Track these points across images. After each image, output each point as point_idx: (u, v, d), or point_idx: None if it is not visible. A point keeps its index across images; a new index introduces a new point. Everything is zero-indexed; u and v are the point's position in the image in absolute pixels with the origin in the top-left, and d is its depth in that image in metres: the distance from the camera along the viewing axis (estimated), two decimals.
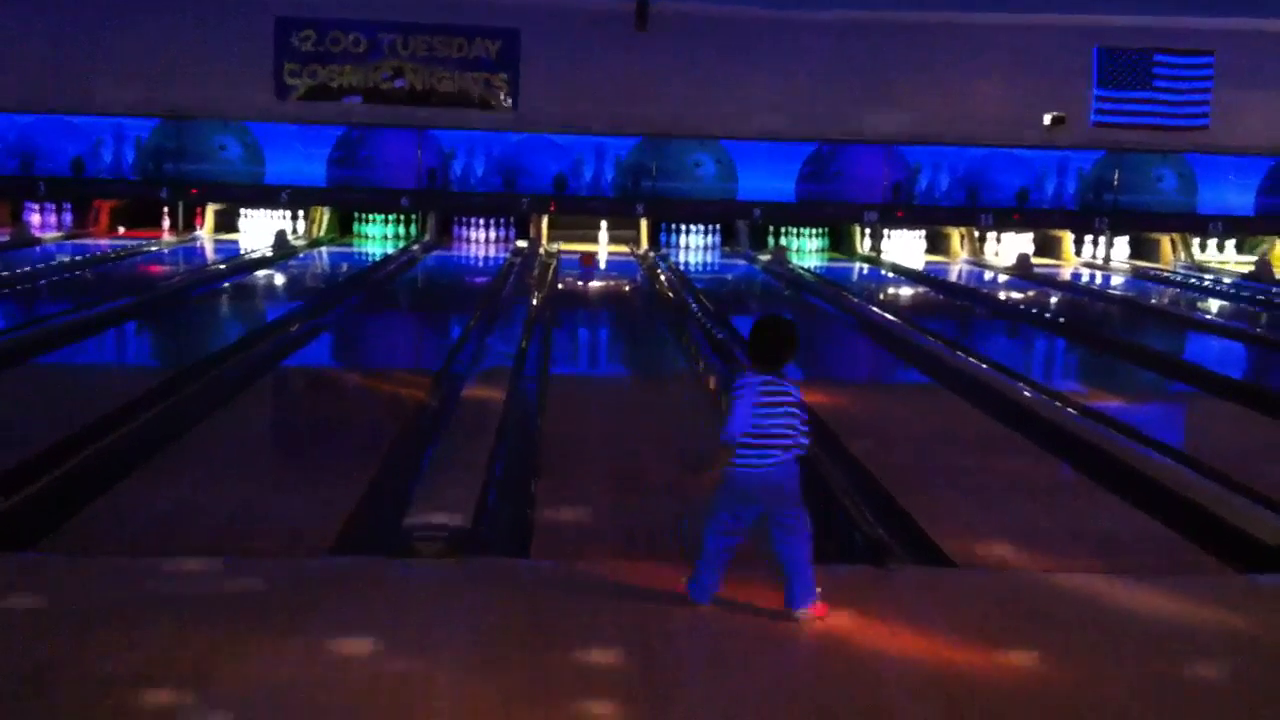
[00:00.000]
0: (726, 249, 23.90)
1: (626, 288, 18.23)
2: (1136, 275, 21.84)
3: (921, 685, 4.12)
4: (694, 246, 23.96)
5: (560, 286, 17.08)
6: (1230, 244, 24.21)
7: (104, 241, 21.44)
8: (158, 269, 18.48)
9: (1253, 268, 21.87)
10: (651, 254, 21.58)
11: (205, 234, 23.11)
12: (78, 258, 18.31)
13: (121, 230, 23.20)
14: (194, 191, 22.10)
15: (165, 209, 23.23)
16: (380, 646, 4.26)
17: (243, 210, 23.39)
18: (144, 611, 4.53)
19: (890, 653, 4.36)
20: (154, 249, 20.79)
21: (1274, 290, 19.27)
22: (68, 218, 23.00)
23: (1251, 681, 4.34)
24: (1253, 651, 4.57)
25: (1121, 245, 24.51)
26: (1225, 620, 4.86)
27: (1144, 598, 5.03)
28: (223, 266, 18.47)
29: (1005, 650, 4.44)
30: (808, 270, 20.58)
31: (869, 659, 4.30)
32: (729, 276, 20.66)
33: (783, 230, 24.05)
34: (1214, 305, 18.13)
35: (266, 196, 22.17)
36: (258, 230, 22.99)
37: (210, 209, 23.29)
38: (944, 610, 4.79)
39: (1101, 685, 4.20)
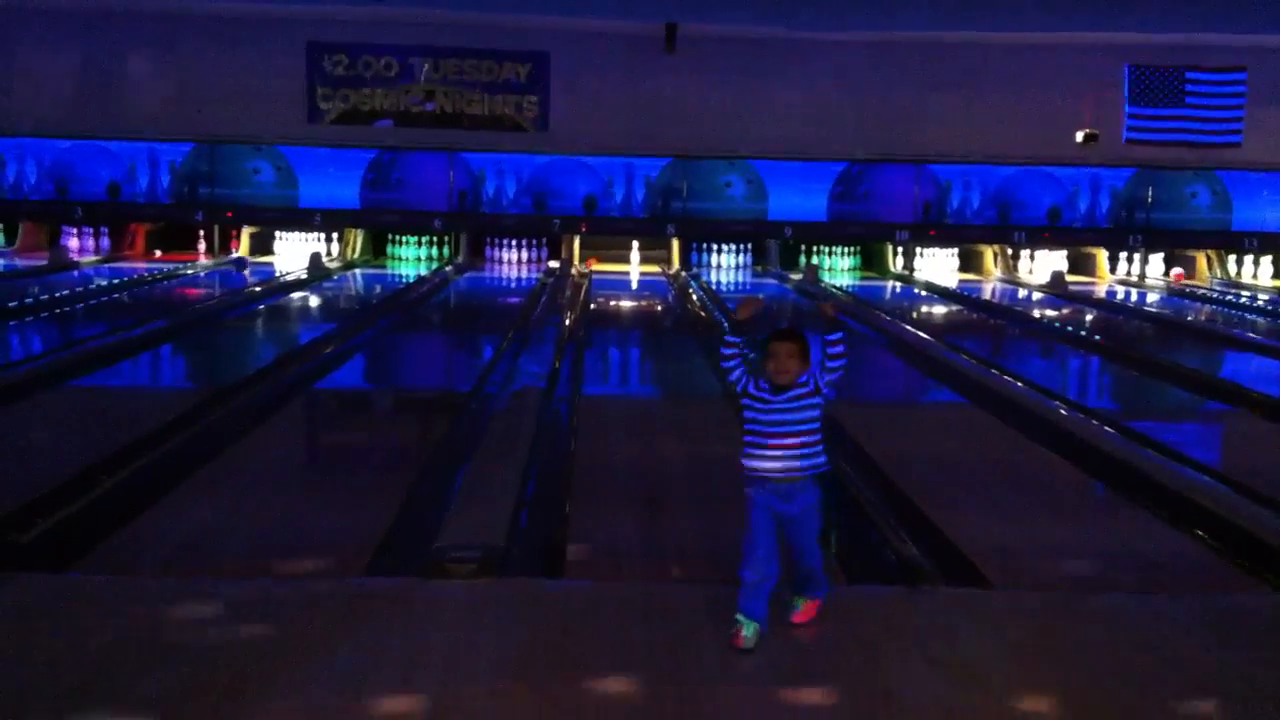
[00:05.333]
0: (758, 268, 23.89)
1: (658, 307, 18.24)
2: (1172, 293, 21.67)
3: (959, 709, 4.09)
4: (725, 266, 23.97)
5: (593, 307, 17.11)
6: (1266, 260, 23.97)
7: (140, 265, 21.64)
8: (194, 291, 18.64)
9: None
10: (683, 274, 21.60)
11: (241, 257, 23.29)
12: (114, 281, 18.48)
13: (158, 253, 23.42)
14: (229, 215, 22.29)
15: (201, 232, 23.45)
16: (410, 668, 4.26)
17: (278, 233, 23.61)
18: (173, 635, 4.56)
19: (926, 674, 4.33)
20: (190, 272, 20.98)
21: None
22: (104, 241, 23.26)
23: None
24: None
25: (1156, 263, 24.35)
26: (1259, 637, 4.82)
27: (1179, 617, 4.98)
28: (258, 288, 18.60)
29: (1041, 673, 4.40)
30: (840, 289, 20.53)
31: (903, 681, 4.27)
32: (761, 296, 20.62)
33: (814, 249, 24.03)
34: (1252, 322, 17.96)
35: (300, 219, 22.34)
36: (292, 253, 23.17)
37: (245, 232, 23.49)
38: (978, 631, 4.75)
39: (1139, 708, 4.16)
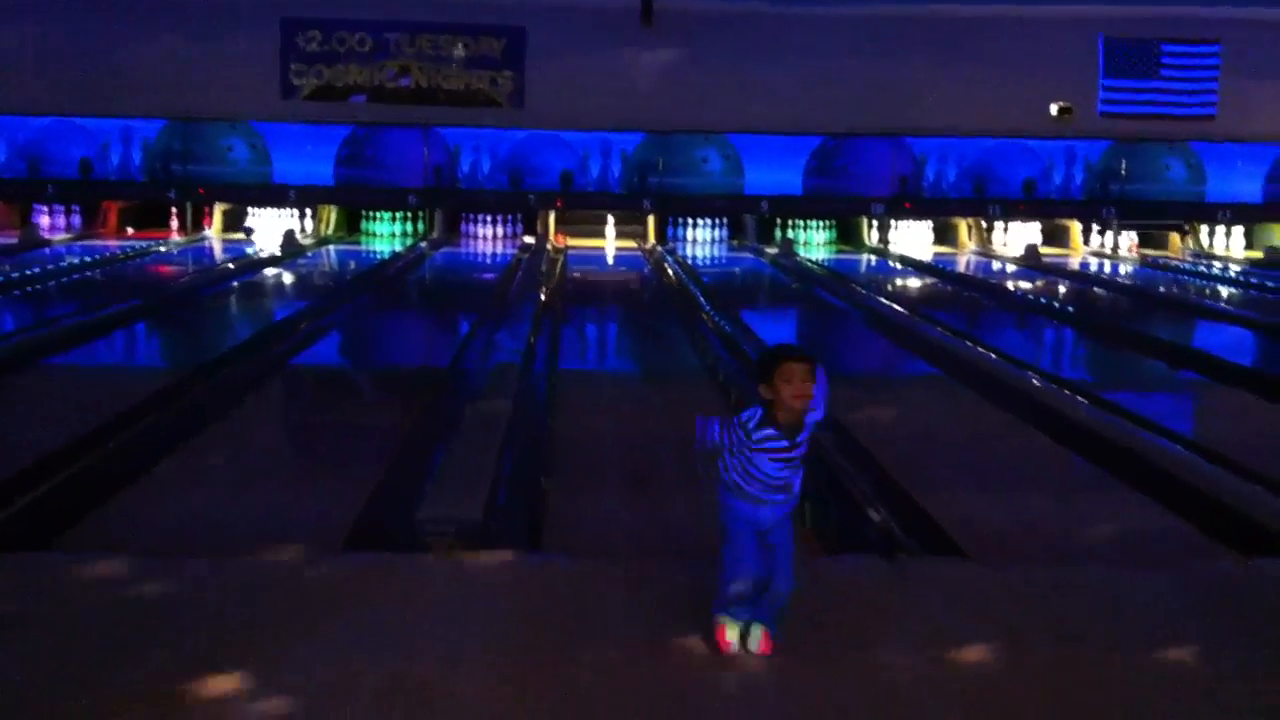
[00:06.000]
0: (734, 242, 23.89)
1: (634, 283, 18.23)
2: (1145, 264, 21.78)
3: (937, 681, 4.12)
4: (701, 240, 23.96)
5: (569, 283, 17.08)
6: (1239, 232, 24.10)
7: (113, 243, 21.48)
8: (166, 269, 18.53)
9: (1262, 255, 21.84)
10: (659, 248, 21.59)
11: (214, 234, 23.16)
12: (87, 259, 18.36)
13: (130, 231, 23.25)
14: (201, 192, 22.15)
15: (174, 210, 23.29)
16: (394, 643, 4.27)
17: (251, 210, 23.45)
18: (150, 612, 4.55)
19: (903, 647, 4.36)
20: (162, 249, 20.84)
21: None
22: (76, 219, 23.07)
23: (1260, 669, 4.34)
24: (1258, 637, 4.58)
25: (1135, 243, 24.48)
26: (1234, 607, 4.88)
27: (1154, 587, 5.04)
28: (231, 266, 18.50)
29: (1019, 644, 4.43)
30: (815, 263, 20.56)
31: (882, 654, 4.30)
32: (737, 270, 20.65)
33: (790, 223, 24.03)
34: (1224, 293, 18.09)
35: (274, 196, 22.21)
36: (266, 230, 23.03)
37: (218, 209, 23.34)
38: (956, 603, 4.78)
39: (1115, 678, 4.21)
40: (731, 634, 4.11)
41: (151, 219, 23.46)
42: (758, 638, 4.12)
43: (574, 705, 3.89)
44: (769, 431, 3.98)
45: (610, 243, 23.37)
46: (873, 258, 22.44)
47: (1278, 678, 4.24)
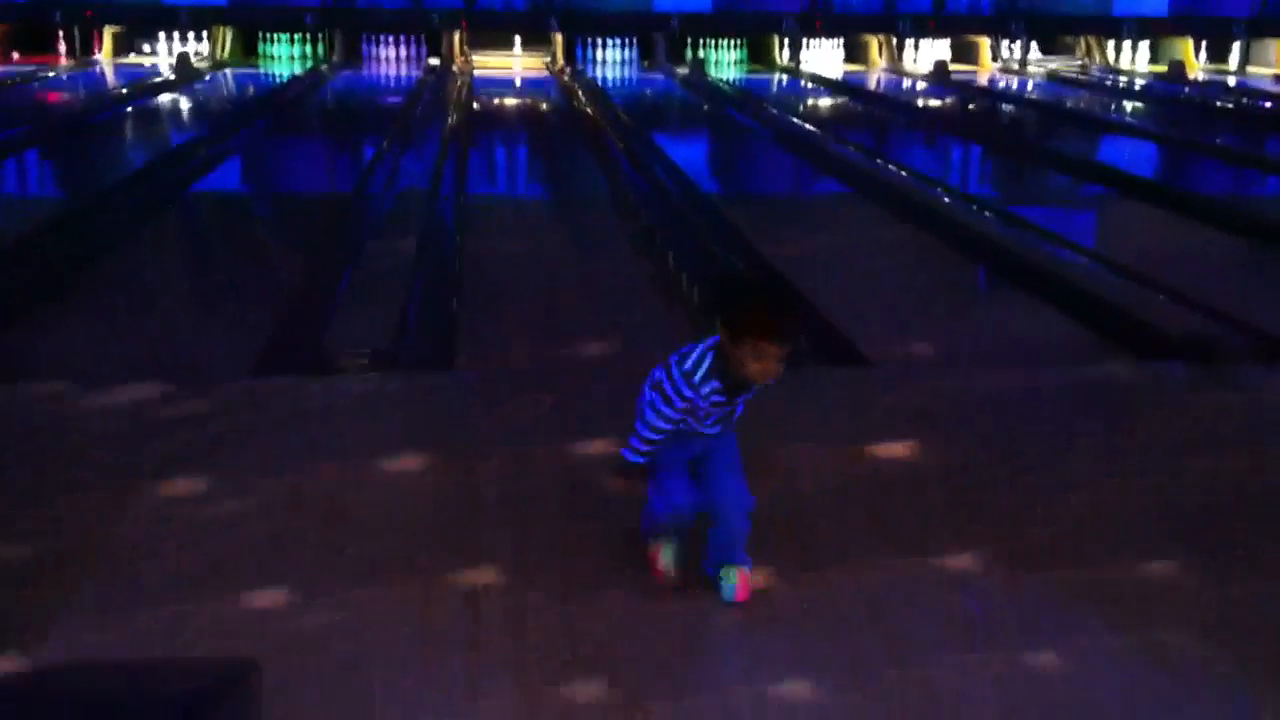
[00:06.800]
0: (644, 64, 23.46)
1: (543, 105, 17.90)
2: (1052, 79, 21.83)
3: (832, 480, 4.25)
4: (611, 61, 23.48)
5: (476, 106, 16.73)
6: (1145, 45, 24.18)
7: None
8: (56, 95, 17.80)
9: (1166, 69, 22.00)
10: (568, 70, 21.15)
11: (104, 59, 22.22)
12: None
13: (16, 56, 22.21)
14: (89, 14, 21.16)
15: (60, 33, 22.24)
16: (305, 458, 4.27)
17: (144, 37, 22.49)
18: (60, 439, 4.49)
19: (804, 450, 4.47)
20: (50, 75, 19.98)
21: (1186, 91, 19.43)
22: None
23: (1133, 449, 4.54)
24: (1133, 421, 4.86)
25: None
26: (1116, 401, 5.18)
27: (1041, 385, 5.28)
28: (124, 91, 17.82)
29: (907, 441, 4.59)
30: (726, 83, 20.32)
31: (784, 456, 4.39)
32: (647, 91, 20.35)
33: (701, 43, 23.62)
34: (1128, 107, 18.24)
35: (164, 18, 21.30)
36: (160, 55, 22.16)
37: (108, 33, 22.34)
38: (857, 410, 4.93)
39: (994, 466, 4.41)
40: (666, 558, 3.43)
41: (38, 43, 22.37)
42: (732, 584, 3.36)
43: (475, 506, 3.97)
44: (715, 384, 3.18)
45: (518, 64, 22.84)
46: (784, 77, 22.20)
47: (1158, 470, 4.44)
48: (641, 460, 3.32)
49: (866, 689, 3.03)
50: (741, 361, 3.12)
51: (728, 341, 3.12)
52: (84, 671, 2.86)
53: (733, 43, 23.79)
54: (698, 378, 3.16)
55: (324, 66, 21.23)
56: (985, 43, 24.02)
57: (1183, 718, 3.00)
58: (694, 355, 3.18)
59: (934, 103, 18.44)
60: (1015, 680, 3.09)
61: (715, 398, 3.21)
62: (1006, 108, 18.60)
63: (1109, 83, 21.00)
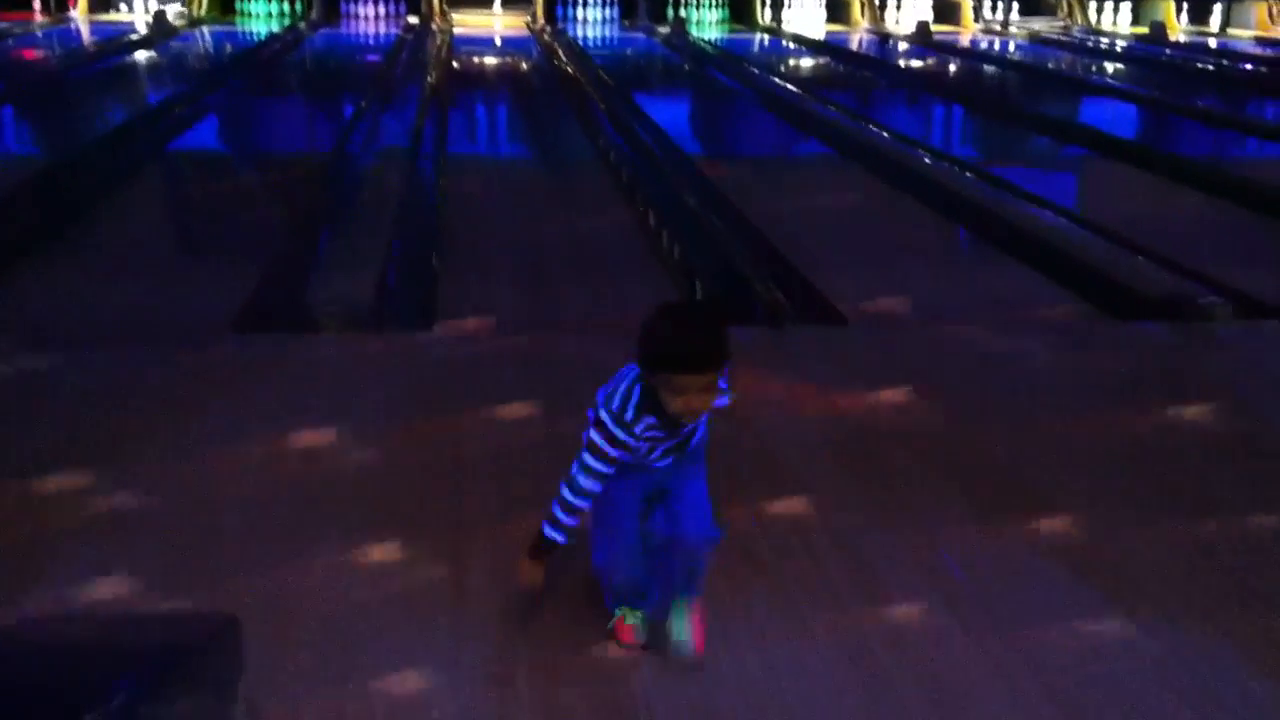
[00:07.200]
0: (625, 22, 23.32)
1: (524, 65, 17.79)
2: (1034, 40, 21.78)
3: (812, 437, 4.27)
4: (592, 20, 23.32)
5: (456, 64, 16.61)
6: (1126, 7, 24.14)
7: None
8: (31, 53, 17.60)
9: (1148, 30, 21.97)
10: (549, 29, 21.01)
11: (79, 15, 21.96)
12: None
13: None
14: None
15: None
16: (285, 417, 4.26)
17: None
18: (45, 399, 4.48)
19: (783, 408, 4.50)
20: (22, 32, 19.74)
21: (1167, 53, 19.43)
22: None
23: (1109, 405, 4.59)
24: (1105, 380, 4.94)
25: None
26: (1093, 358, 5.25)
27: (1020, 343, 5.34)
28: (99, 48, 17.62)
29: (885, 397, 4.63)
30: (708, 43, 20.21)
31: (764, 415, 4.41)
32: (629, 50, 20.23)
33: (682, 2, 23.47)
34: (1110, 68, 18.22)
35: None
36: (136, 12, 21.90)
37: None
38: (834, 366, 4.98)
39: (971, 421, 4.47)
40: (636, 626, 3.04)
41: (11, 0, 22.10)
42: (683, 626, 2.99)
43: (457, 465, 3.99)
44: (650, 420, 2.77)
45: (498, 22, 22.67)
46: (766, 37, 22.10)
47: (1128, 423, 4.50)
48: (563, 537, 2.87)
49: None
50: (665, 397, 2.70)
51: (646, 376, 2.74)
52: (65, 623, 2.87)
53: (714, 1, 23.65)
54: (629, 416, 2.75)
55: (302, 24, 21.03)
56: (967, 3, 23.93)
57: (1146, 659, 3.03)
58: (619, 393, 2.78)
59: (915, 63, 18.39)
60: (982, 625, 3.12)
61: (651, 434, 2.80)
62: (988, 68, 18.55)
63: (1090, 44, 20.97)
